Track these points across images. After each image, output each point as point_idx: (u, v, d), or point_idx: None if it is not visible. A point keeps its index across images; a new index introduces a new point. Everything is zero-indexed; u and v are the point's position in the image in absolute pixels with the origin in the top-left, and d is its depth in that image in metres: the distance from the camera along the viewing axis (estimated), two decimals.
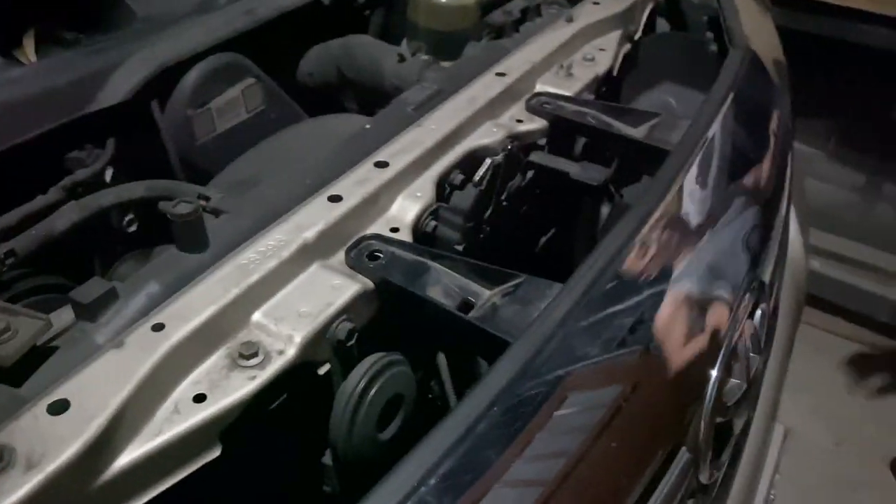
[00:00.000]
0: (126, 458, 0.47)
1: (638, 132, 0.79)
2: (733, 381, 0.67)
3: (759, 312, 0.72)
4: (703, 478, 0.64)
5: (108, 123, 0.82)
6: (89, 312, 0.54)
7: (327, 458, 0.60)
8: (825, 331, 2.12)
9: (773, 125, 0.89)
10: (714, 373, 0.63)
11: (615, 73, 0.99)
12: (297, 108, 1.02)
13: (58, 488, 0.43)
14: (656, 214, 0.64)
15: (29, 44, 0.83)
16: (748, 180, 0.81)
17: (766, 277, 0.78)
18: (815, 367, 2.00)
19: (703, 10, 1.17)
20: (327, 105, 1.04)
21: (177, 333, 0.51)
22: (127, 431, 0.47)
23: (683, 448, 0.61)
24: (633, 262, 0.61)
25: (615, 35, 1.01)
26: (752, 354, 0.70)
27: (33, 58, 0.84)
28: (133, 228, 0.78)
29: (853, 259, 2.06)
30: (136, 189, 0.70)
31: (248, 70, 0.95)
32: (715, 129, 0.79)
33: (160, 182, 0.73)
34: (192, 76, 0.88)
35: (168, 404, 0.50)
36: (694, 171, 0.73)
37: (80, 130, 0.80)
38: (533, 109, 0.82)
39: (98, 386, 0.48)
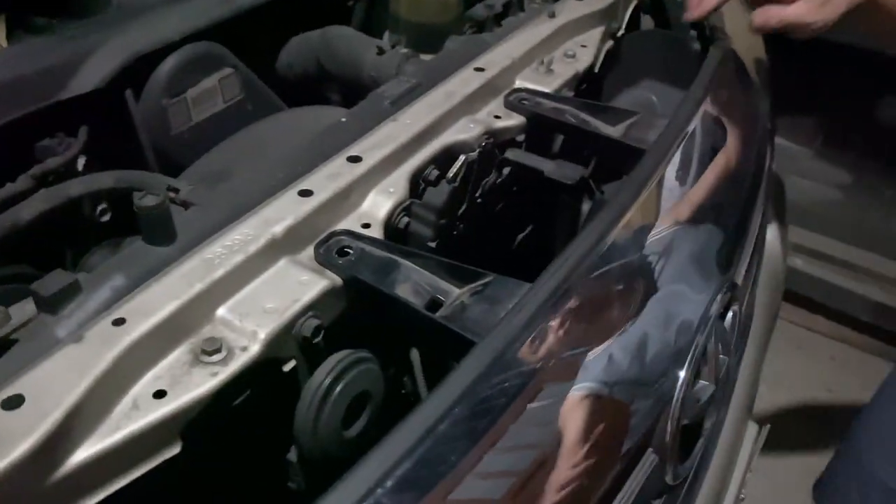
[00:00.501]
0: (83, 453, 0.46)
1: (615, 131, 0.79)
2: (702, 382, 0.67)
3: (730, 314, 0.72)
4: (669, 479, 0.64)
5: (80, 112, 0.81)
6: (50, 305, 0.53)
7: (292, 455, 0.60)
8: (806, 328, 2.13)
9: (751, 124, 0.89)
10: (682, 374, 0.63)
11: (597, 69, 0.99)
12: (275, 99, 1.01)
13: (11, 484, 0.43)
14: (628, 215, 0.64)
15: (0, 28, 0.82)
16: (724, 180, 0.81)
17: (740, 279, 0.78)
18: (794, 365, 2.01)
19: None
20: (307, 97, 1.03)
21: (138, 328, 0.51)
22: (84, 427, 0.47)
23: (650, 450, 0.62)
24: (604, 263, 0.61)
25: (597, 32, 1.00)
26: (721, 356, 0.70)
27: (4, 43, 0.83)
28: (106, 218, 0.77)
29: (836, 258, 2.07)
30: (106, 179, 0.69)
31: (225, 60, 0.93)
32: (691, 127, 0.79)
33: (130, 173, 0.72)
34: (167, 65, 0.87)
35: (127, 400, 0.50)
36: (669, 170, 0.73)
37: (51, 118, 0.79)
38: (511, 106, 0.81)
39: (55, 381, 0.47)
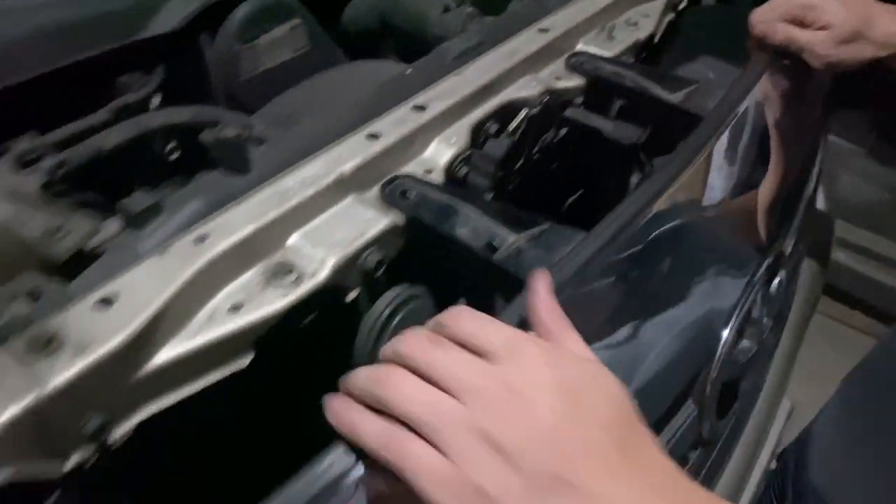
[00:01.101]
0: (164, 355, 0.50)
1: (674, 97, 0.80)
2: (745, 342, 0.69)
3: (776, 280, 0.74)
4: (705, 432, 0.66)
5: (158, 52, 0.84)
6: (136, 222, 0.57)
7: None
8: (841, 323, 2.12)
9: (807, 103, 0.90)
10: (725, 333, 0.65)
11: (656, 40, 1.00)
12: (339, 53, 1.04)
13: (101, 374, 0.47)
14: (686, 174, 0.66)
15: None
16: (779, 152, 0.82)
17: (787, 249, 0.80)
18: (826, 358, 2.00)
19: None
20: (366, 54, 1.06)
21: (218, 246, 0.54)
22: (165, 332, 0.51)
23: (690, 400, 0.64)
24: (659, 218, 0.63)
25: (659, 3, 1.01)
26: (765, 320, 0.71)
27: None
28: (174, 157, 0.81)
29: (879, 254, 2.06)
30: (184, 113, 0.73)
31: (295, 11, 0.96)
32: (749, 101, 0.79)
33: (207, 108, 0.76)
34: (241, 11, 0.90)
35: (205, 311, 0.53)
36: (725, 137, 0.74)
37: (131, 56, 0.83)
38: (573, 67, 0.83)
39: (141, 287, 0.51)
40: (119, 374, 0.48)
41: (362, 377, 0.41)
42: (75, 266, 0.54)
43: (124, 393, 0.49)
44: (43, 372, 0.45)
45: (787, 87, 0.84)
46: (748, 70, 0.83)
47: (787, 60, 0.84)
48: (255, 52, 0.93)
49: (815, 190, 0.97)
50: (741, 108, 0.77)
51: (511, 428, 0.35)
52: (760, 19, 0.86)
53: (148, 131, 0.71)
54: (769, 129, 0.84)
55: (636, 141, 0.75)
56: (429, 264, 0.64)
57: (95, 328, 0.48)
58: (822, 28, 0.80)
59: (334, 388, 0.61)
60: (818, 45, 0.79)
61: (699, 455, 0.68)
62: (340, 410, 0.40)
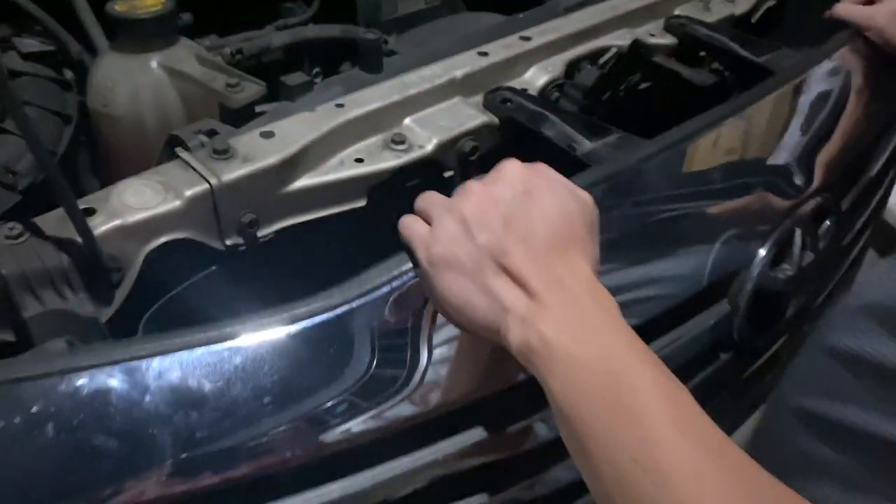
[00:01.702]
0: (304, 182, 0.66)
1: (760, 58, 0.89)
2: (784, 265, 0.78)
3: (827, 222, 0.83)
4: (736, 333, 0.76)
5: None
6: (292, 92, 0.74)
7: None
8: None
9: (881, 79, 0.96)
10: (763, 250, 0.75)
11: (754, 20, 1.09)
12: (464, 9, 1.19)
13: (258, 181, 0.63)
14: (757, 105, 0.76)
15: None
16: (850, 116, 0.89)
17: (845, 203, 0.88)
18: None
19: None
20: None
21: (352, 112, 0.70)
22: (308, 164, 0.67)
23: (725, 300, 0.74)
24: (723, 135, 0.73)
25: None
26: (807, 252, 0.80)
27: None
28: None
29: None
30: (335, 29, 0.90)
31: None
32: (825, 67, 0.88)
33: (352, 27, 0.92)
34: None
35: (337, 158, 0.69)
36: (810, 84, 0.83)
37: None
38: (670, 27, 0.94)
39: (295, 129, 0.67)
40: (270, 186, 0.64)
41: (418, 202, 0.55)
42: (245, 115, 0.71)
43: (271, 202, 0.65)
44: (219, 169, 0.62)
45: (864, 61, 0.91)
46: (827, 43, 0.91)
47: (862, 38, 0.92)
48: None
49: (884, 172, 1.03)
50: (812, 71, 0.86)
51: (477, 211, 0.48)
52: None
53: (304, 39, 0.88)
54: (849, 94, 0.92)
55: (710, 83, 0.85)
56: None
57: (258, 149, 0.64)
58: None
59: None
60: (871, 18, 0.88)
61: (730, 359, 0.78)
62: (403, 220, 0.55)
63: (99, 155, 0.80)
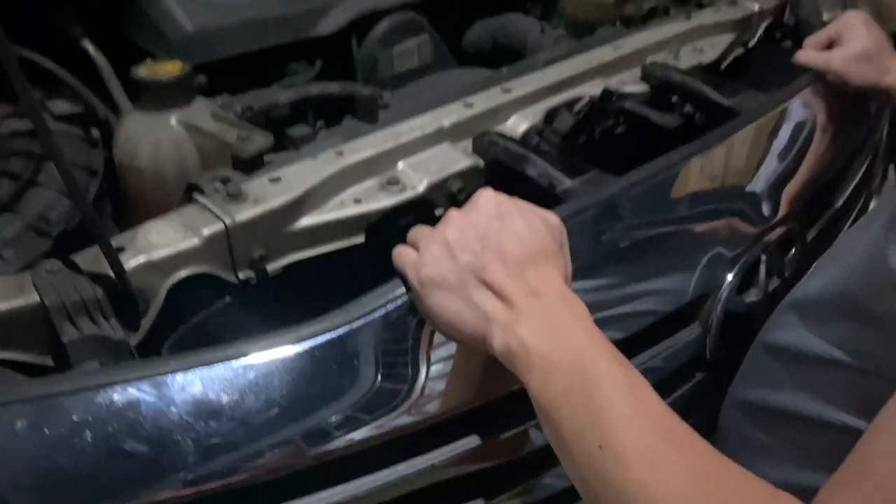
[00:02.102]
0: (308, 220, 0.74)
1: (729, 100, 0.98)
2: (752, 289, 0.85)
3: (791, 252, 0.90)
4: (709, 353, 0.82)
5: (320, 48, 1.12)
6: (296, 143, 0.82)
7: None
8: None
9: (844, 119, 1.04)
10: (729, 276, 0.82)
11: (723, 68, 1.18)
12: (455, 66, 1.29)
13: (268, 221, 0.71)
14: (725, 143, 0.84)
15: None
16: (814, 152, 0.97)
17: (811, 233, 0.95)
18: None
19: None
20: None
21: (351, 158, 0.78)
22: (311, 205, 0.75)
23: (696, 322, 0.81)
24: (692, 170, 0.81)
25: (728, 37, 1.19)
26: (773, 278, 0.87)
27: None
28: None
29: None
30: (335, 86, 0.99)
31: (423, 29, 1.22)
32: (792, 106, 0.96)
33: (351, 83, 1.01)
34: (383, 24, 1.16)
35: (338, 198, 0.77)
36: (775, 122, 0.91)
37: (300, 49, 1.10)
38: (645, 73, 1.03)
39: (299, 175, 0.75)
40: (278, 225, 0.72)
41: (410, 234, 0.63)
42: (253, 164, 0.80)
43: (279, 239, 0.73)
44: (233, 211, 0.70)
45: (825, 101, 1.00)
46: (790, 85, 1.00)
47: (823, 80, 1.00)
48: (390, 58, 1.19)
49: (849, 204, 1.10)
50: (777, 111, 0.94)
51: (457, 235, 0.56)
52: (805, 44, 1.03)
53: (308, 96, 0.97)
54: (813, 131, 1.00)
55: (676, 126, 0.93)
56: None
57: (267, 192, 0.72)
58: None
59: None
60: (828, 63, 0.96)
61: (704, 377, 0.84)
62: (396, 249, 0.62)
63: (122, 203, 0.88)
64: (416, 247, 0.60)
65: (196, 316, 0.69)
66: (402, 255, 0.61)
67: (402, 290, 0.62)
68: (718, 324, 0.82)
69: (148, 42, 1.00)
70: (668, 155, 0.81)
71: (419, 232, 0.61)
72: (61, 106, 0.96)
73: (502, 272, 0.53)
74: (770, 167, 0.91)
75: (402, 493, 0.64)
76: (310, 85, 0.99)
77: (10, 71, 0.53)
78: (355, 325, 0.61)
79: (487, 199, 0.58)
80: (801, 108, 0.98)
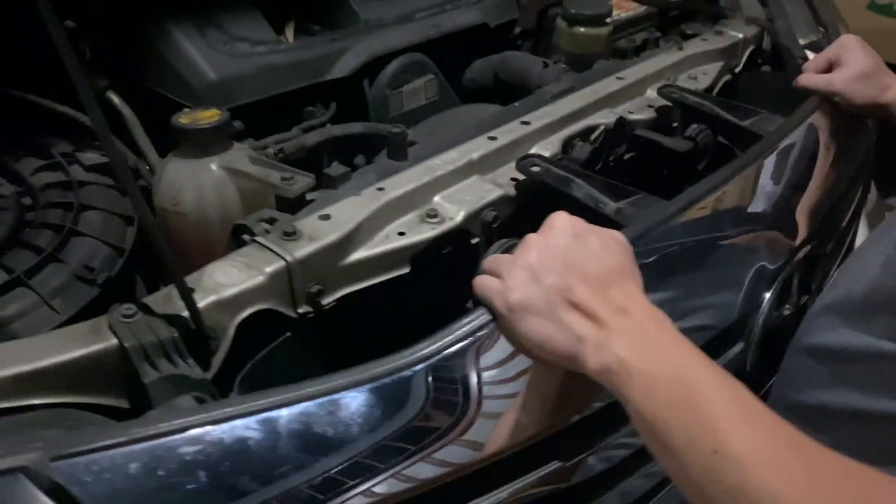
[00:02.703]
0: (358, 255, 0.77)
1: (744, 122, 1.03)
2: (787, 306, 0.90)
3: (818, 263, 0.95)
4: (749, 365, 0.86)
5: (334, 90, 1.16)
6: (333, 182, 0.85)
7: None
8: None
9: (848, 138, 1.10)
10: (767, 295, 0.86)
11: (714, 93, 1.25)
12: (458, 102, 1.34)
13: (322, 257, 0.74)
14: (754, 167, 0.89)
15: (289, 30, 1.19)
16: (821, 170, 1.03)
17: (828, 247, 1.01)
18: None
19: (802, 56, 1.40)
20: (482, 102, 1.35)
21: (391, 194, 0.82)
22: (360, 239, 0.78)
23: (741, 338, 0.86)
24: (728, 195, 0.86)
25: (718, 65, 1.26)
26: (802, 293, 0.92)
27: (291, 39, 1.20)
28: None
29: None
30: (359, 127, 1.03)
31: (429, 68, 1.27)
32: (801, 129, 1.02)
33: (373, 124, 1.05)
34: (392, 66, 1.21)
35: (383, 232, 0.80)
36: (790, 149, 0.97)
37: (315, 92, 1.14)
38: (663, 95, 1.09)
39: (346, 211, 0.78)
40: (332, 260, 0.75)
41: (484, 264, 0.65)
42: (297, 204, 0.83)
43: (334, 273, 0.75)
44: (291, 248, 0.72)
45: (832, 121, 1.06)
46: (802, 107, 1.06)
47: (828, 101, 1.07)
48: (399, 97, 1.23)
49: (854, 218, 1.17)
50: (796, 132, 1.00)
51: (540, 258, 0.58)
52: (805, 68, 1.10)
53: (332, 137, 1.01)
54: (826, 151, 1.06)
55: (686, 149, 0.99)
56: (530, 223, 0.89)
57: (319, 229, 0.75)
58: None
59: (459, 293, 0.86)
60: (831, 84, 1.02)
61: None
62: (476, 280, 0.65)
63: (151, 250, 0.90)
64: (496, 274, 0.62)
65: (262, 351, 0.71)
66: (486, 284, 0.62)
67: (489, 317, 0.63)
68: (759, 339, 0.86)
69: (172, 91, 1.03)
70: (709, 178, 0.86)
71: (499, 260, 0.63)
72: (90, 157, 0.98)
73: (588, 292, 0.55)
74: (792, 186, 0.97)
75: None
76: (333, 127, 1.02)
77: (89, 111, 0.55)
78: (447, 353, 0.63)
79: (563, 221, 0.61)
80: (812, 128, 1.04)
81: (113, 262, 0.87)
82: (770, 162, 0.95)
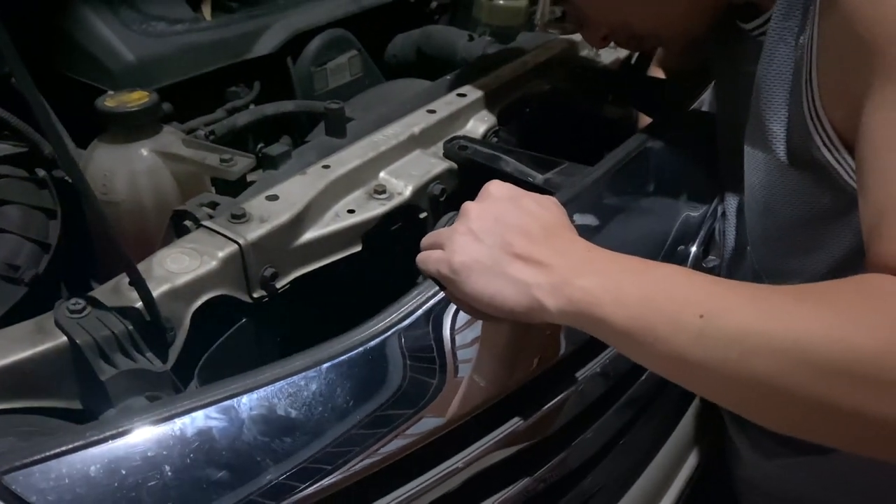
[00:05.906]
0: (309, 235, 0.75)
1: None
2: (711, 257, 0.93)
3: None
4: None
5: (257, 69, 1.12)
6: (274, 162, 0.83)
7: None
8: None
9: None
10: (693, 249, 0.90)
11: (632, 62, 1.28)
12: (382, 78, 1.32)
13: (274, 239, 0.72)
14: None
15: (206, 7, 1.14)
16: None
17: None
18: None
19: None
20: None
21: (338, 171, 0.80)
22: (310, 219, 0.76)
23: None
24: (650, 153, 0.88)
25: None
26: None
27: (209, 17, 1.15)
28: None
29: None
30: (290, 105, 1.00)
31: (353, 44, 1.24)
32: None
33: (305, 101, 1.02)
34: (315, 42, 1.18)
35: (332, 211, 0.78)
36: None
37: (238, 71, 1.10)
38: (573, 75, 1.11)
39: (294, 191, 0.76)
40: (283, 242, 0.73)
41: (424, 241, 0.65)
42: (238, 186, 0.80)
43: (286, 255, 0.73)
44: (242, 231, 0.70)
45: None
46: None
47: None
48: (324, 74, 1.21)
49: None
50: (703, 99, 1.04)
51: (478, 222, 0.59)
52: None
53: (263, 116, 0.98)
54: None
55: (618, 116, 1.01)
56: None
57: (269, 210, 0.73)
58: None
59: (406, 269, 0.85)
60: None
61: None
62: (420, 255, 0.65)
63: (94, 243, 0.85)
64: (437, 247, 0.63)
65: (219, 339, 0.68)
66: (428, 255, 0.62)
67: (434, 288, 0.63)
68: None
69: (88, 76, 0.97)
70: (627, 142, 0.88)
71: (438, 233, 0.63)
72: (2, 147, 0.91)
73: (529, 242, 0.56)
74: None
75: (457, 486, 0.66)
76: (266, 106, 0.99)
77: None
78: (398, 327, 0.62)
79: (498, 187, 0.62)
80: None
81: (38, 259, 0.81)
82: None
